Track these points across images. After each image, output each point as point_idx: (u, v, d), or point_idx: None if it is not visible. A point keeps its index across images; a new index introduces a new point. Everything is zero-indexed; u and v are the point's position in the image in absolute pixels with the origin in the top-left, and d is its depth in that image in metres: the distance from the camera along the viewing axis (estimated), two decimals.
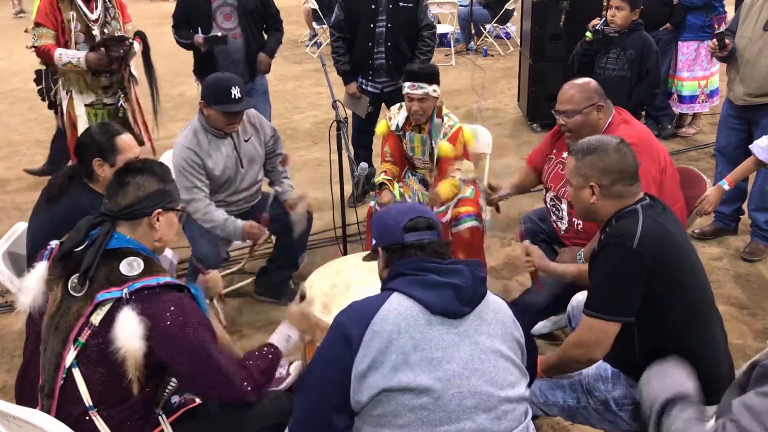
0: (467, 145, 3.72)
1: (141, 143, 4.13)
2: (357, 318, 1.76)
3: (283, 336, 2.28)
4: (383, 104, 4.82)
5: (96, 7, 4.02)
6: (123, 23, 4.16)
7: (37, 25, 3.96)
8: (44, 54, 3.96)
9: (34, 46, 3.98)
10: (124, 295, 1.90)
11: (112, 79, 4.10)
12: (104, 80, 4.08)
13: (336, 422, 1.76)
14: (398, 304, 1.76)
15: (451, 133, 3.64)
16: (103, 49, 3.93)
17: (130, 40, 4.05)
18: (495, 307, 1.86)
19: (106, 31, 4.01)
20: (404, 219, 1.87)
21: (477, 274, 1.83)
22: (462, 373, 1.73)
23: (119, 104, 4.15)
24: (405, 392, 1.70)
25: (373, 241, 1.96)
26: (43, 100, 4.56)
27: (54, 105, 4.29)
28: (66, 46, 3.98)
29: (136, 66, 4.23)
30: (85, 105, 4.08)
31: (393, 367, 1.70)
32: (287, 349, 2.24)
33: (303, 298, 2.43)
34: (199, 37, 4.39)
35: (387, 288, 1.84)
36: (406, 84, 3.57)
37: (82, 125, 4.04)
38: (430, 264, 1.82)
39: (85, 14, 3.98)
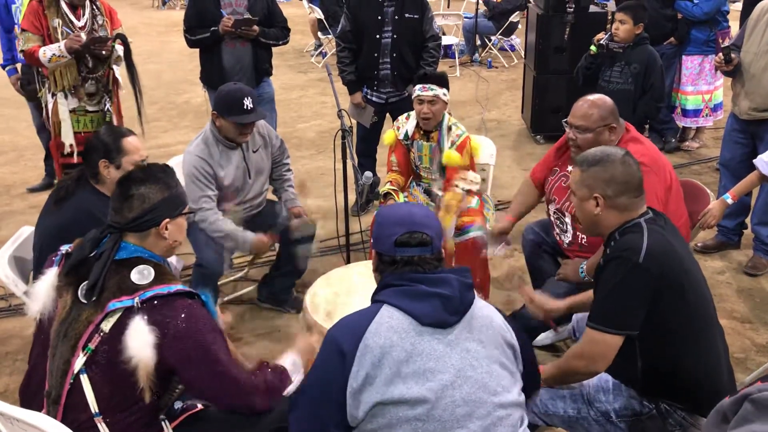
0: (474, 156, 3.74)
1: None
2: (349, 333, 1.76)
3: (289, 359, 2.25)
4: (388, 114, 4.85)
5: (83, 15, 4.00)
6: (111, 30, 4.15)
7: (23, 30, 3.97)
8: (31, 57, 3.94)
9: (23, 51, 3.99)
10: (135, 304, 1.90)
11: (97, 86, 4.09)
12: (90, 87, 4.07)
13: None
14: (389, 317, 1.76)
15: (459, 142, 3.66)
16: (83, 38, 3.90)
17: (112, 44, 4.03)
18: (483, 312, 1.85)
19: None
20: (398, 232, 1.84)
21: (464, 281, 1.82)
22: (454, 381, 1.74)
23: (106, 108, 4.15)
24: (399, 405, 1.70)
25: (372, 241, 1.96)
26: (29, 99, 4.57)
27: (39, 107, 4.30)
28: None
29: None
30: (69, 111, 4.08)
31: (386, 380, 1.70)
32: (292, 373, 2.21)
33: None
34: (228, 19, 4.37)
35: (376, 300, 1.84)
36: (417, 87, 3.62)
37: (66, 130, 4.06)
38: (418, 275, 1.81)
39: (71, 21, 3.96)
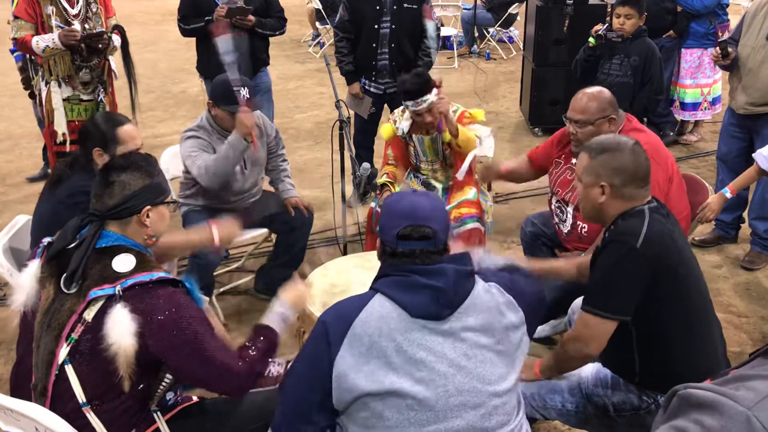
0: (475, 119, 3.68)
1: None
2: (339, 319, 1.77)
3: (277, 315, 2.21)
4: (386, 105, 4.82)
5: (77, 2, 3.95)
6: (106, 18, 4.12)
7: (16, 17, 3.92)
8: (23, 45, 3.90)
9: (14, 38, 3.95)
10: (116, 292, 1.89)
11: (92, 75, 4.06)
12: (84, 75, 4.03)
13: (317, 420, 1.77)
14: (380, 306, 1.76)
15: (455, 118, 3.63)
16: (79, 31, 3.86)
17: (109, 34, 4.00)
18: (483, 299, 1.83)
19: (87, 26, 3.95)
20: (401, 225, 1.82)
21: (461, 270, 1.80)
22: (447, 371, 1.73)
23: (99, 99, 4.11)
24: (389, 395, 1.70)
25: (377, 227, 1.93)
26: (26, 89, 4.56)
27: (34, 95, 4.28)
28: None
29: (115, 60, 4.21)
30: (63, 99, 4.05)
31: (375, 371, 1.70)
32: (283, 330, 2.19)
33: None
34: (221, 8, 4.33)
35: (372, 288, 1.84)
36: (409, 103, 3.51)
37: (59, 118, 4.04)
38: (413, 265, 1.80)
39: (65, 9, 3.91)
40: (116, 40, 4.07)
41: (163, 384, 2.05)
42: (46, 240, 2.10)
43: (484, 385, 1.76)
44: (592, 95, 3.00)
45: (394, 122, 3.80)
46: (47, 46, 3.83)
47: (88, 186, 2.15)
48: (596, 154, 2.27)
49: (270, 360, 2.14)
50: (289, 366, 2.32)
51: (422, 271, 1.78)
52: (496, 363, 1.80)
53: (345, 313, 1.78)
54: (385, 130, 3.84)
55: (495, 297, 1.87)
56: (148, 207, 2.06)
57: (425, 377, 1.71)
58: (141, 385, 1.99)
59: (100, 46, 3.95)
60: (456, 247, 1.93)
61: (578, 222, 3.13)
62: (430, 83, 3.50)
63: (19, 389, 2.13)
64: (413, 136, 3.75)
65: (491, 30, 9.50)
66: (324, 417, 1.77)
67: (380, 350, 1.71)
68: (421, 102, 3.47)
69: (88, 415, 1.94)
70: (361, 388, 1.70)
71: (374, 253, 2.00)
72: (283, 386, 1.86)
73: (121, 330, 1.85)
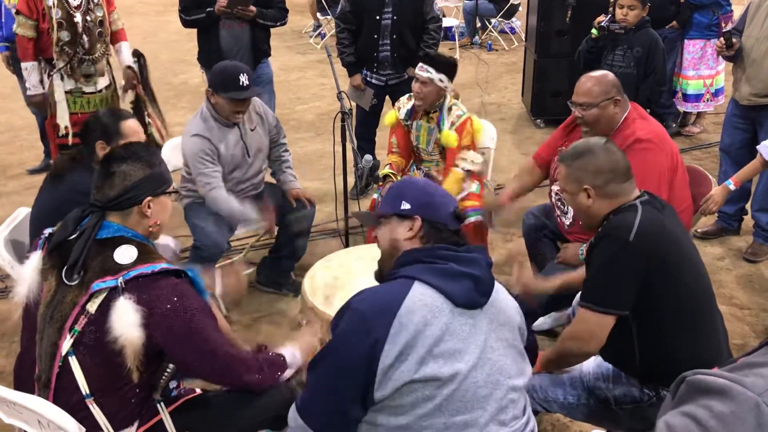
0: (475, 137, 3.70)
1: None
2: (380, 311, 1.71)
3: (289, 353, 2.21)
4: (387, 97, 4.81)
5: None
6: (107, 11, 4.10)
7: (18, 12, 3.94)
8: (20, 49, 4.04)
9: (15, 33, 3.99)
10: (119, 284, 1.89)
11: (96, 67, 4.08)
12: (86, 68, 4.06)
13: (352, 414, 1.73)
14: (422, 294, 1.73)
15: (458, 123, 3.63)
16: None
17: (134, 67, 4.13)
18: (500, 295, 1.86)
19: (88, 18, 3.96)
20: (451, 204, 1.91)
21: (488, 262, 1.84)
22: (477, 363, 1.74)
23: (148, 131, 4.07)
24: (428, 383, 1.69)
25: (407, 206, 1.88)
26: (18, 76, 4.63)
27: (21, 75, 4.33)
28: (47, 34, 3.96)
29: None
30: (65, 92, 4.06)
31: (419, 360, 1.68)
32: (291, 365, 2.19)
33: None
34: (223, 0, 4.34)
35: (403, 275, 1.79)
36: (418, 65, 3.60)
37: (61, 112, 4.04)
38: (447, 252, 1.80)
39: (67, 1, 3.92)
40: (128, 56, 4.17)
41: (166, 373, 2.06)
42: (48, 231, 2.10)
43: (505, 379, 1.78)
44: (595, 78, 3.03)
45: (398, 109, 3.80)
46: (30, 86, 4.04)
47: (89, 186, 2.14)
48: (571, 161, 2.30)
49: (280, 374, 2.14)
50: (311, 362, 2.31)
51: (456, 258, 1.79)
52: (514, 358, 1.82)
53: (385, 304, 1.72)
54: (388, 117, 3.86)
55: (508, 295, 1.91)
56: (149, 197, 2.04)
57: (461, 368, 1.71)
58: (145, 376, 1.99)
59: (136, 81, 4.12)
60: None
61: None
62: (446, 68, 3.58)
63: (23, 380, 2.13)
64: (414, 122, 3.75)
65: (493, 21, 9.46)
66: (357, 411, 1.73)
67: (424, 340, 1.69)
68: (425, 69, 3.54)
69: (91, 407, 1.94)
70: (403, 379, 1.67)
71: (376, 246, 1.99)
72: (315, 374, 1.78)
73: (127, 322, 1.85)
